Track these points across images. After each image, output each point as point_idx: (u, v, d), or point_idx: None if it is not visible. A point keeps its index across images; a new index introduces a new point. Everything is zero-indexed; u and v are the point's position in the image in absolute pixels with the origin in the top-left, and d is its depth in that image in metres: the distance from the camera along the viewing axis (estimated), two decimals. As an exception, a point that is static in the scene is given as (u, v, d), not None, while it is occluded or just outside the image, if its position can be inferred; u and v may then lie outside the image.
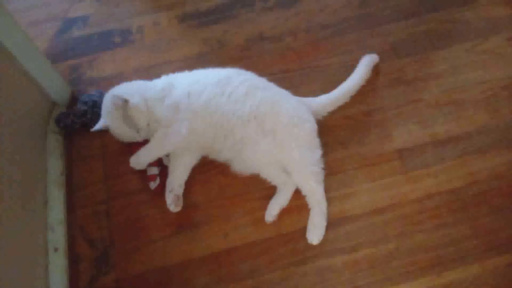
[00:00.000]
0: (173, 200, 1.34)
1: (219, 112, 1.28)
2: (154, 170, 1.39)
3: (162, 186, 1.38)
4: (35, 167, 1.39)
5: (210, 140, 1.31)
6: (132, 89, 1.35)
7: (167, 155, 1.41)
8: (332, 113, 1.48)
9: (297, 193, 1.33)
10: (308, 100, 1.44)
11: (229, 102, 1.29)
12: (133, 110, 1.29)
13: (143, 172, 1.40)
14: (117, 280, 1.29)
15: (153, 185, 1.38)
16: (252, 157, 1.31)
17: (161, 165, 1.41)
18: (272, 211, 1.32)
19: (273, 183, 1.36)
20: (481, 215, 1.30)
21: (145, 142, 1.36)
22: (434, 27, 1.68)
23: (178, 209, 1.35)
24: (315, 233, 1.29)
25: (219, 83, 1.32)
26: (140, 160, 1.34)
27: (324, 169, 1.34)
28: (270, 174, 1.35)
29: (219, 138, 1.30)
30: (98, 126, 1.33)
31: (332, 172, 1.39)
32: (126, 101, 1.29)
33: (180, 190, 1.36)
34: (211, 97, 1.29)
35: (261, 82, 1.38)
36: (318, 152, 1.33)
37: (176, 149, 1.36)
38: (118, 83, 1.60)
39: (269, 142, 1.29)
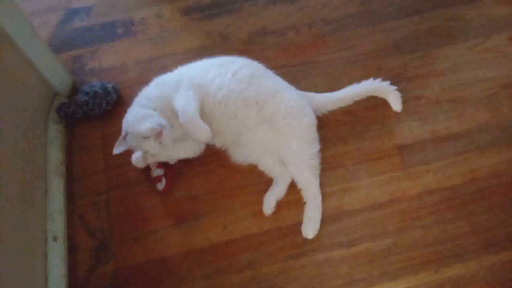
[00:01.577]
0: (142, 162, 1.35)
1: (224, 90, 1.28)
2: (159, 172, 1.38)
3: (169, 186, 1.38)
4: (36, 156, 1.39)
5: (216, 120, 1.29)
6: (142, 116, 1.26)
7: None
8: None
9: (297, 187, 1.34)
10: (311, 95, 1.44)
11: (233, 81, 1.28)
12: (131, 123, 1.25)
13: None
14: (116, 270, 1.29)
15: (160, 186, 1.37)
16: (250, 143, 1.32)
17: (166, 165, 1.40)
18: (269, 203, 1.32)
19: (270, 174, 1.37)
20: (480, 212, 1.31)
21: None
22: (437, 25, 1.68)
23: (141, 166, 1.36)
24: (310, 227, 1.29)
25: (224, 64, 1.32)
26: (188, 111, 1.22)
27: (322, 163, 1.35)
28: (268, 165, 1.36)
29: (224, 118, 1.29)
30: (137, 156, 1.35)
31: (332, 167, 1.39)
32: (125, 137, 1.27)
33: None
34: (216, 75, 1.29)
35: (265, 71, 1.39)
36: (316, 146, 1.34)
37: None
38: (120, 74, 1.63)
39: (267, 130, 1.29)
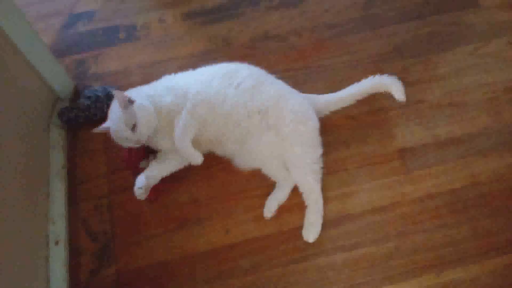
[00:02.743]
0: (146, 187, 1.30)
1: (228, 102, 1.29)
2: None
3: (153, 193, 1.35)
4: (38, 160, 1.39)
5: (220, 131, 1.30)
6: (136, 92, 1.31)
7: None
8: (335, 113, 1.49)
9: (299, 192, 1.34)
10: (313, 97, 1.45)
11: (237, 93, 1.29)
12: (140, 111, 1.24)
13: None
14: (118, 273, 1.29)
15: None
16: (255, 150, 1.32)
17: None
18: (271, 207, 1.33)
19: (273, 178, 1.37)
20: (481, 217, 1.31)
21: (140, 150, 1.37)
22: (438, 30, 1.69)
23: (143, 197, 1.31)
24: (311, 231, 1.29)
25: (227, 74, 1.32)
26: (183, 140, 1.24)
27: (324, 167, 1.35)
28: (271, 169, 1.36)
29: (227, 128, 1.30)
30: (102, 126, 1.30)
31: (333, 171, 1.40)
32: (131, 102, 1.24)
33: (155, 182, 1.33)
34: (220, 87, 1.30)
35: (268, 77, 1.39)
36: (319, 150, 1.34)
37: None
38: (122, 79, 1.63)
39: (272, 136, 1.30)
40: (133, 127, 1.23)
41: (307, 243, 1.29)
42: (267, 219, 1.33)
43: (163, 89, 1.31)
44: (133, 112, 1.22)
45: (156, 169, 1.33)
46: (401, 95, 1.44)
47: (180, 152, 1.26)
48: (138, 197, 1.30)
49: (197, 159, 1.26)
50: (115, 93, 1.24)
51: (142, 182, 1.29)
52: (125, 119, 1.22)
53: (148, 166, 1.35)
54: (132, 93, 1.30)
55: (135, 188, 1.29)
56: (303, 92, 1.46)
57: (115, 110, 1.25)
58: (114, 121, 1.25)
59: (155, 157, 1.37)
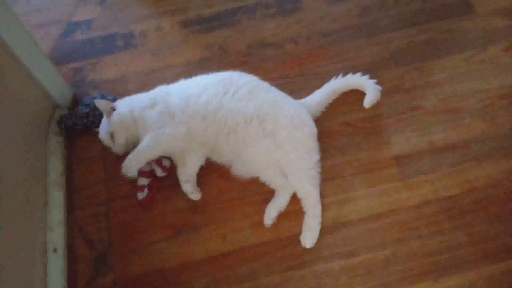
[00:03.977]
0: (193, 188, 1.38)
1: (223, 110, 1.30)
2: (143, 181, 1.38)
3: (149, 198, 1.37)
4: (36, 167, 1.39)
5: (214, 138, 1.32)
6: (124, 102, 1.40)
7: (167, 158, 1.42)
8: (331, 120, 1.50)
9: (296, 198, 1.34)
10: (304, 101, 1.47)
11: (233, 100, 1.31)
12: (116, 120, 1.34)
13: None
14: (115, 281, 1.29)
15: (140, 195, 1.37)
16: (252, 157, 1.32)
17: (152, 176, 1.40)
18: (270, 214, 1.32)
19: (272, 186, 1.37)
20: (478, 223, 1.31)
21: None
22: (433, 37, 1.70)
23: (199, 196, 1.38)
24: (308, 236, 1.29)
25: (221, 82, 1.34)
26: (131, 163, 1.32)
27: (321, 173, 1.35)
28: (269, 177, 1.36)
29: (222, 136, 1.31)
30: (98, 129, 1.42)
31: (330, 178, 1.40)
32: (113, 109, 1.34)
33: (194, 181, 1.40)
34: (212, 96, 1.31)
35: (263, 84, 1.40)
36: (316, 156, 1.35)
37: (175, 149, 1.37)
38: (120, 87, 1.64)
39: (269, 143, 1.30)
40: (112, 136, 1.35)
41: (304, 250, 1.29)
42: (267, 226, 1.33)
43: (149, 100, 1.37)
44: (110, 121, 1.33)
45: (187, 171, 1.38)
46: (369, 103, 1.46)
47: (126, 162, 1.32)
48: (196, 199, 1.39)
49: (131, 172, 1.33)
50: (97, 102, 1.30)
51: (187, 188, 1.38)
52: (105, 127, 1.36)
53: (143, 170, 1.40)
54: (120, 102, 1.39)
55: (189, 195, 1.38)
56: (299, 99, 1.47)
57: (104, 118, 1.38)
58: (100, 128, 1.38)
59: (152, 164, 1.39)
